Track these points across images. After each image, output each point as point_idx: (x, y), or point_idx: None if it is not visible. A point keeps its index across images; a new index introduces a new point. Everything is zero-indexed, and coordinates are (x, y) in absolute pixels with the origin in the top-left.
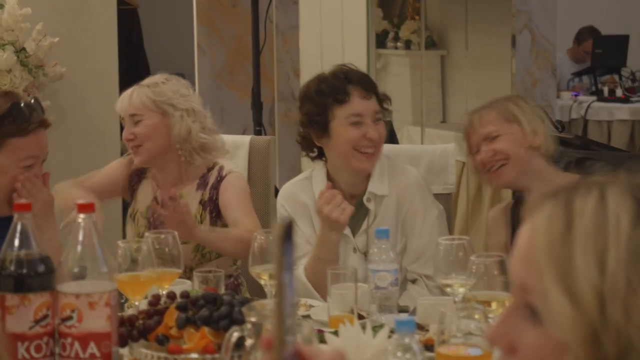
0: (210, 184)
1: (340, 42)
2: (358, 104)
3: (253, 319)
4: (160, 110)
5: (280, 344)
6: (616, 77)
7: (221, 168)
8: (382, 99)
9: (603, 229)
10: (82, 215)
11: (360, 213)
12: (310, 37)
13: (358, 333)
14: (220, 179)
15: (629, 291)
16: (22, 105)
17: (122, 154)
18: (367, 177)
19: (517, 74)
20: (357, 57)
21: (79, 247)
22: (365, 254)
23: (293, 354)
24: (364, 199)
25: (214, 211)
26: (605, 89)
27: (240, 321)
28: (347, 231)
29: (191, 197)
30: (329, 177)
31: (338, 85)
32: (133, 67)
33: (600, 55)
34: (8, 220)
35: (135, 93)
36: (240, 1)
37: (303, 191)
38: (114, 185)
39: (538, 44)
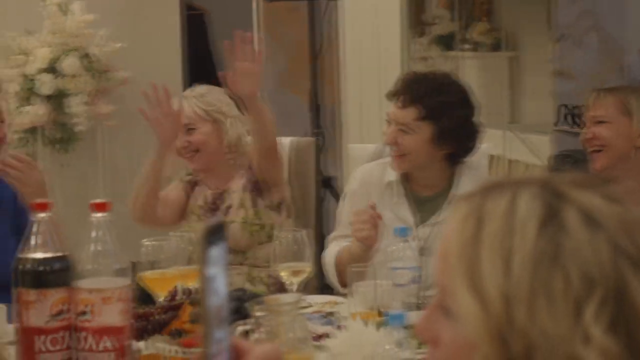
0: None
1: (377, 49)
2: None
3: (258, 314)
4: (211, 119)
5: (208, 342)
6: None
7: None
8: (428, 112)
9: (510, 232)
10: (97, 214)
11: (432, 205)
12: (351, 42)
13: (361, 328)
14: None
15: (533, 295)
16: None
17: None
18: (448, 176)
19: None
20: (393, 61)
21: (93, 245)
22: (423, 248)
23: (228, 348)
24: (447, 200)
25: (254, 190)
26: None
27: (250, 316)
28: (411, 220)
29: (237, 188)
30: None
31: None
32: (201, 71)
33: None
34: None
35: (185, 104)
36: (300, 6)
37: (376, 172)
38: (180, 206)
39: (605, 44)
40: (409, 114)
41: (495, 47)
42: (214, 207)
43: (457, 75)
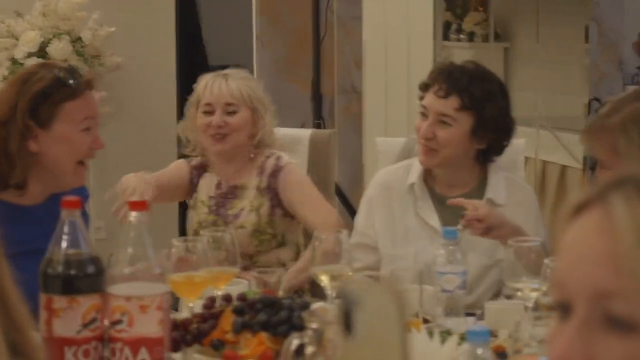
0: (267, 171)
1: (406, 34)
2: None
3: (314, 325)
4: (252, 106)
5: None
6: None
7: (278, 158)
8: (471, 100)
9: None
10: (133, 214)
11: (459, 207)
12: (373, 28)
13: (426, 341)
14: (278, 168)
15: None
16: (65, 70)
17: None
18: (477, 176)
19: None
20: (423, 49)
21: (130, 248)
22: None
23: None
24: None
25: (274, 199)
26: None
27: (300, 327)
28: (437, 224)
29: (251, 185)
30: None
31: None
32: (190, 58)
33: None
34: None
35: (233, 84)
36: None
37: (399, 176)
38: (178, 188)
39: (605, 37)
40: (451, 103)
41: (489, 37)
42: (225, 199)
43: None
